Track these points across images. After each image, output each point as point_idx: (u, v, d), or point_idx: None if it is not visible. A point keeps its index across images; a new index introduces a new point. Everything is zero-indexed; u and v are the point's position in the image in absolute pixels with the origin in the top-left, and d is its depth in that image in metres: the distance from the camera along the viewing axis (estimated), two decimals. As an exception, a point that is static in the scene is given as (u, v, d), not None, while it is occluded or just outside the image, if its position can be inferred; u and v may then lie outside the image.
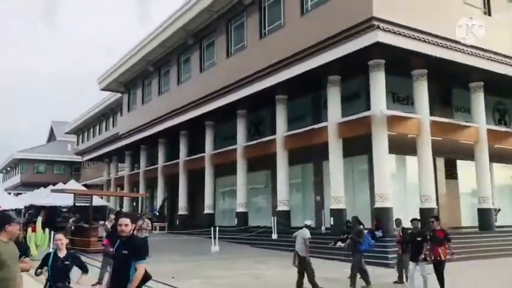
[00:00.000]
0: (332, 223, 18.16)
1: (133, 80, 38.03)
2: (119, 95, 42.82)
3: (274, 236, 19.64)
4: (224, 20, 26.33)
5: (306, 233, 10.37)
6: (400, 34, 16.52)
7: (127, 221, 5.02)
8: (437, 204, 18.53)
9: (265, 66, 21.58)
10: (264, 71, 21.56)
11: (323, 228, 19.80)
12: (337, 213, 17.82)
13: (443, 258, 9.40)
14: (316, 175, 22.20)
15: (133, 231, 5.12)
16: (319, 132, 19.52)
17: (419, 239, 9.66)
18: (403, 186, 20.11)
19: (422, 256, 9.52)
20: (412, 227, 10.46)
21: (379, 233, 15.22)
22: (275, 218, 20.36)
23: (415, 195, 18.00)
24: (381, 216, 16.09)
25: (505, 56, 19.73)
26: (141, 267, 4.86)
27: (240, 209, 23.73)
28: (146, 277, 4.97)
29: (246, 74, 22.92)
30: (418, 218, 10.41)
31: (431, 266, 9.77)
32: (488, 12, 21.02)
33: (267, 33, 23.13)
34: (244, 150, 24.04)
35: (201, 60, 28.76)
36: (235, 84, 23.54)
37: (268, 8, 23.39)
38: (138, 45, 33.25)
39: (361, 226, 15.96)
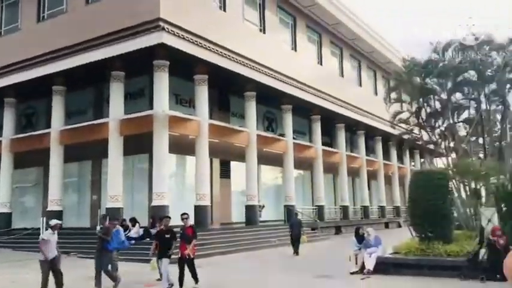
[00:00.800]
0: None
1: None
2: None
3: (43, 238, 18.02)
4: (-6, -6, 23.02)
5: (43, 234, 9.63)
6: (184, 39, 17.16)
7: None
8: (211, 202, 19.74)
9: (42, 52, 19.57)
10: (39, 58, 19.53)
11: (98, 228, 18.95)
12: (114, 213, 17.32)
13: (191, 255, 9.60)
14: (94, 173, 21.36)
15: None
16: (99, 128, 18.80)
17: (167, 236, 9.69)
18: (181, 185, 20.92)
19: (170, 253, 9.58)
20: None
21: (153, 231, 15.36)
22: (44, 218, 18.70)
23: (193, 194, 18.83)
24: (157, 214, 16.26)
25: (275, 71, 22.28)
26: None
27: (2, 210, 21.17)
28: None
29: (18, 58, 20.39)
30: (169, 215, 10.45)
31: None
32: (263, 30, 23.39)
33: (46, 17, 21.05)
34: (11, 143, 21.61)
35: (-38, 37, 24.50)
36: (3, 69, 20.80)
37: (48, -10, 21.37)
38: None
39: (138, 224, 16.11)
